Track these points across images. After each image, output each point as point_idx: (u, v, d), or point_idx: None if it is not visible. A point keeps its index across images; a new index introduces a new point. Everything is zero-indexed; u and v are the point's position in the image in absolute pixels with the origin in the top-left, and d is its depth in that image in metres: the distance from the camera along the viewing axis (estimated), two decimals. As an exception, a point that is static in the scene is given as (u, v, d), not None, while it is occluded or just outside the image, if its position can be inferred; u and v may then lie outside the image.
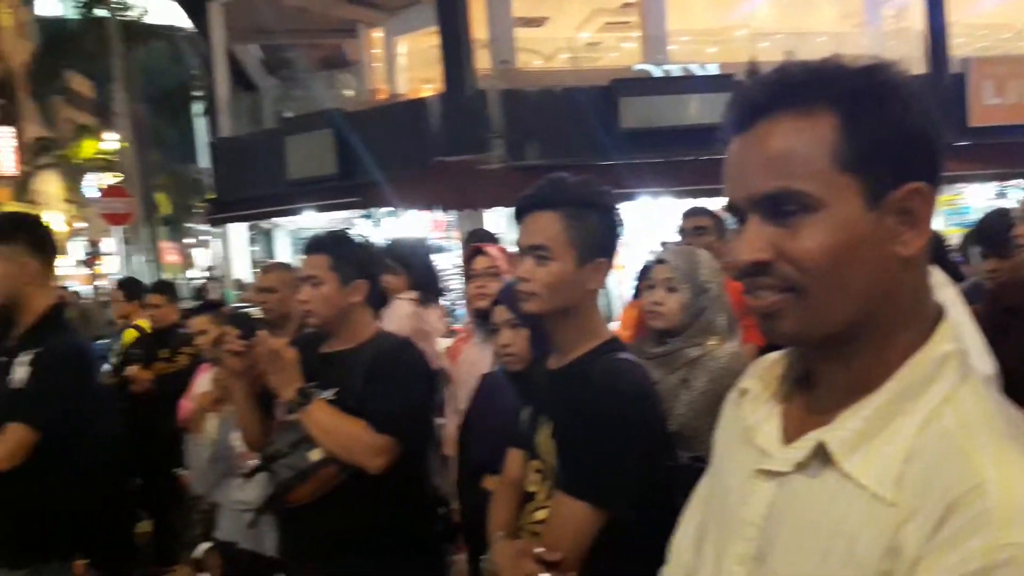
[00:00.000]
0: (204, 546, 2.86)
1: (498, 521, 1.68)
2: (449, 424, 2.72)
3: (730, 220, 0.83)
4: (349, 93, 16.48)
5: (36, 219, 2.65)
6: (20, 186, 34.56)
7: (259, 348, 2.11)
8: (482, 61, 11.57)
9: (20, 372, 2.39)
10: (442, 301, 4.14)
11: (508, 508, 1.68)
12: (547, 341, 1.69)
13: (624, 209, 1.68)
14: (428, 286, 3.68)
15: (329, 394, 2.14)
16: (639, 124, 10.63)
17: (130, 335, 5.11)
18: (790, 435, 0.84)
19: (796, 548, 0.79)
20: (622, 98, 10.77)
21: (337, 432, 2.08)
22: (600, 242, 1.60)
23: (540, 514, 1.59)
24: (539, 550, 1.45)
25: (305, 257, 2.27)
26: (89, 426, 2.50)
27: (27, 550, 2.40)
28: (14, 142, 35.22)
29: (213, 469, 2.77)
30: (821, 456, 0.79)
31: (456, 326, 4.26)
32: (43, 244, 2.54)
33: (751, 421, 0.89)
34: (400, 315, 3.37)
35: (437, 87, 11.83)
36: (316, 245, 2.26)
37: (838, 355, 0.81)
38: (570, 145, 10.42)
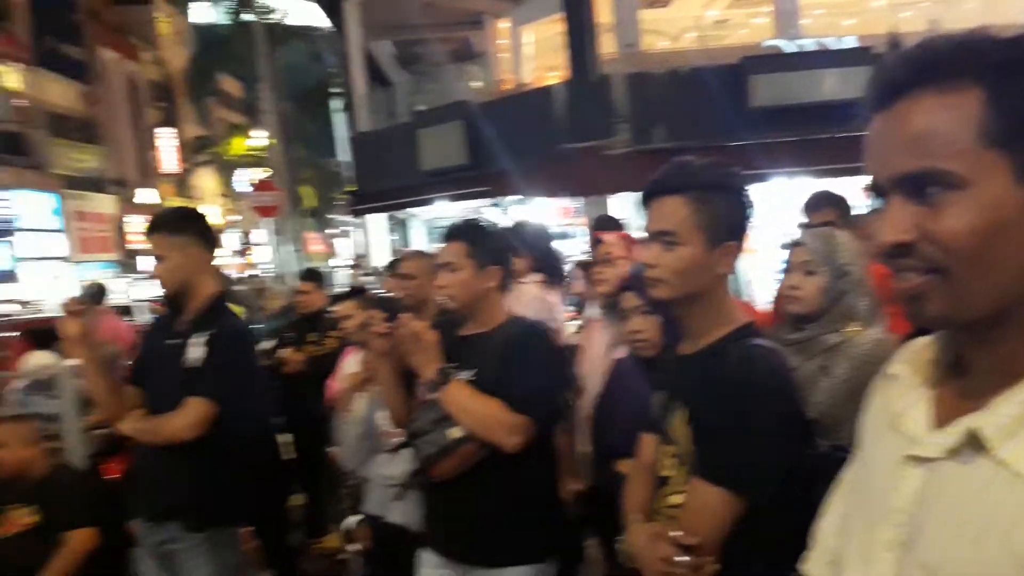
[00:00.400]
0: (353, 519, 3.00)
1: (633, 504, 1.69)
2: (581, 408, 2.75)
3: (871, 201, 0.80)
4: (477, 84, 16.69)
5: (201, 213, 2.86)
6: (180, 182, 37.07)
7: (402, 331, 2.21)
8: (607, 46, 11.44)
9: (195, 352, 2.58)
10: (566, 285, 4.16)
11: (642, 491, 1.69)
12: (678, 327, 1.67)
13: (755, 191, 1.64)
14: (551, 270, 3.72)
15: (467, 375, 2.21)
16: (771, 102, 10.23)
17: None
18: (940, 421, 0.82)
19: (947, 535, 0.77)
20: (752, 76, 10.39)
21: (475, 411, 2.15)
22: (729, 225, 1.56)
23: (676, 499, 1.59)
24: (676, 533, 1.45)
25: (443, 245, 2.34)
26: (252, 402, 2.70)
27: (206, 516, 2.60)
28: (175, 142, 37.77)
29: (361, 446, 2.90)
30: (974, 443, 0.77)
31: (570, 311, 4.25)
32: (208, 236, 2.75)
33: (899, 407, 0.87)
34: (526, 298, 3.42)
35: (562, 74, 11.81)
36: (453, 233, 2.33)
37: (988, 339, 0.78)
38: (698, 126, 10.17)
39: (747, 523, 1.46)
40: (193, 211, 2.89)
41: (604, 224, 4.16)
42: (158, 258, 2.66)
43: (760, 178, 8.75)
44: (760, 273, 4.38)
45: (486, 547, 2.21)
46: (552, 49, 12.77)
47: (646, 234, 1.61)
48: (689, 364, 1.60)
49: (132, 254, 33.92)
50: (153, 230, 2.69)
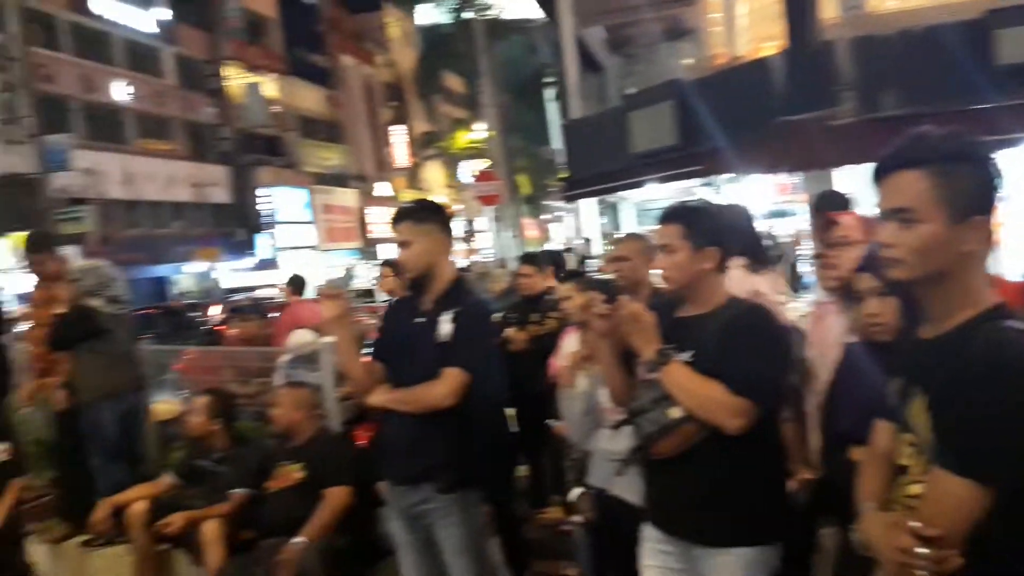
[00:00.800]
0: (577, 491, 3.08)
1: (867, 492, 1.60)
2: (809, 394, 2.62)
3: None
4: (688, 62, 16.24)
5: (441, 205, 3.09)
6: (411, 175, 39.42)
7: (621, 312, 2.23)
8: (828, 10, 10.69)
9: (445, 328, 2.78)
10: (774, 267, 3.97)
11: (878, 480, 1.59)
12: (917, 309, 1.55)
13: (1003, 158, 1.47)
14: (754, 253, 3.56)
15: (686, 356, 2.19)
16: (1021, 59, 9.08)
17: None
18: None
19: None
20: (999, 30, 9.25)
21: (695, 392, 2.13)
22: (974, 199, 1.42)
23: (914, 488, 1.49)
24: (915, 524, 1.36)
25: (660, 227, 2.33)
26: (493, 373, 2.88)
27: (458, 479, 2.78)
28: (406, 138, 40.18)
29: (585, 421, 2.97)
30: None
31: (793, 294, 4.03)
32: (447, 225, 2.96)
33: None
34: (730, 281, 3.32)
35: (779, 44, 11.19)
36: (670, 215, 2.31)
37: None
38: (934, 90, 9.22)
39: (998, 514, 1.34)
40: (435, 203, 3.12)
41: (832, 201, 3.92)
42: (404, 244, 2.85)
43: (1008, 144, 7.80)
44: (1010, 246, 3.93)
45: (707, 527, 2.18)
46: (768, 18, 12.12)
47: (880, 212, 1.51)
48: (931, 348, 1.48)
49: (372, 243, 36.60)
50: (400, 219, 2.89)
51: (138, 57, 28.59)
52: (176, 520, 4.01)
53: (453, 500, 2.80)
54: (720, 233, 2.29)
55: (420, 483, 2.82)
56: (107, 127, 26.91)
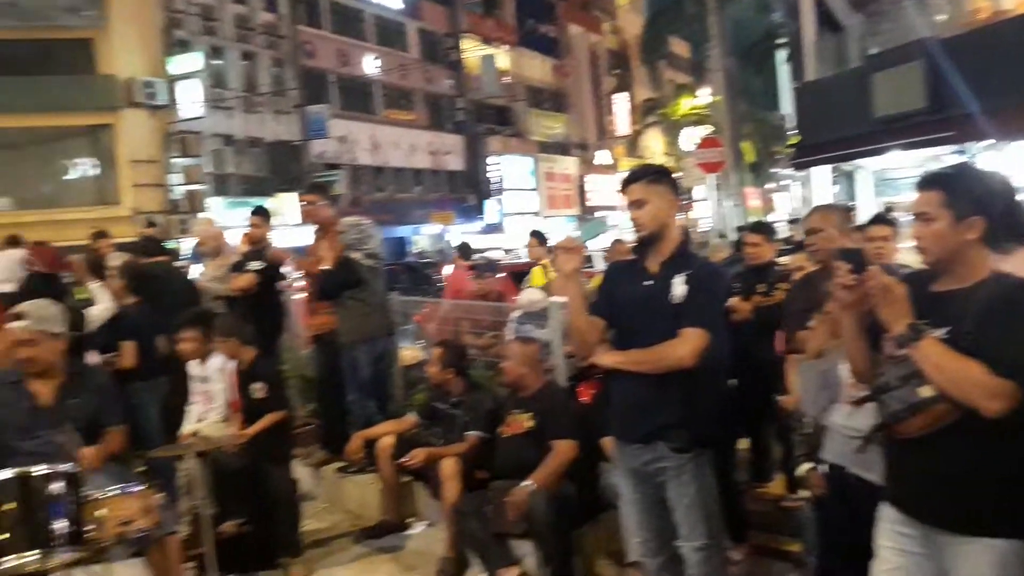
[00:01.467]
0: (807, 466, 2.96)
1: None
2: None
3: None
4: (941, 19, 14.61)
5: (670, 169, 3.09)
6: (631, 143, 39.06)
7: (871, 283, 2.10)
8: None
9: (679, 289, 2.78)
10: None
11: None
12: None
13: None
14: (1008, 227, 3.16)
15: (941, 333, 2.03)
16: None
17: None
18: None
19: None
20: None
21: (950, 370, 1.97)
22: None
23: None
24: None
25: (917, 194, 2.15)
26: (724, 335, 2.87)
27: (693, 438, 2.79)
28: (628, 105, 39.82)
29: (821, 394, 2.84)
30: None
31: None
32: (676, 188, 2.97)
33: None
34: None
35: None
36: (930, 181, 2.13)
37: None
38: None
39: None
40: (664, 167, 3.11)
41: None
42: (638, 204, 2.85)
43: None
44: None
45: (957, 513, 2.02)
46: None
47: None
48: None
49: (590, 210, 36.91)
50: (633, 180, 2.90)
51: (386, 32, 30.66)
52: (418, 455, 4.36)
53: (687, 459, 2.80)
54: (985, 201, 2.07)
55: (653, 442, 2.83)
56: (358, 98, 29.22)
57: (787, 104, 20.38)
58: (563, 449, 3.89)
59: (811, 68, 14.44)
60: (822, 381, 2.83)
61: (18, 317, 3.50)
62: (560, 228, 33.90)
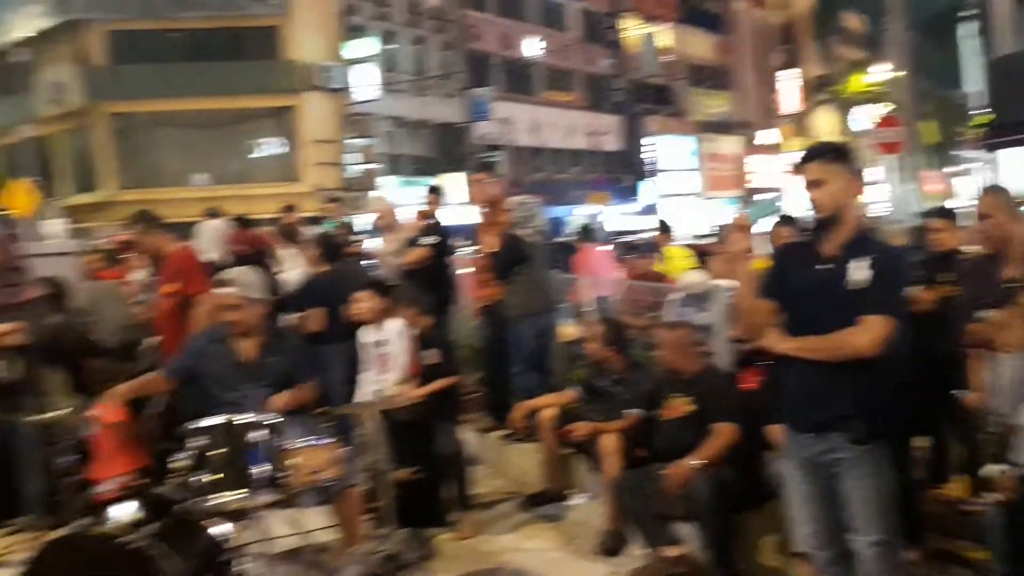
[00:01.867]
0: (995, 468, 2.76)
1: None
2: None
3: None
4: None
5: (850, 148, 2.89)
6: (798, 122, 37.23)
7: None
8: None
9: (860, 274, 2.63)
10: None
11: None
12: None
13: None
14: None
15: None
16: None
17: None
18: None
19: None
20: None
21: None
22: None
23: None
24: None
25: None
26: (906, 324, 2.73)
27: (872, 429, 2.67)
28: (797, 83, 37.90)
29: (1016, 392, 2.63)
30: None
31: None
32: (856, 169, 2.78)
33: None
34: None
35: None
36: None
37: None
38: None
39: None
40: (844, 145, 2.95)
41: None
42: (815, 184, 2.71)
43: None
44: None
45: None
46: None
47: None
48: None
49: (751, 192, 35.56)
50: (811, 158, 2.75)
51: (548, 13, 30.78)
52: (581, 428, 4.43)
53: (865, 451, 2.68)
54: None
55: (828, 432, 2.72)
56: (519, 80, 29.58)
57: (971, 81, 18.63)
58: (724, 431, 3.83)
59: (1006, 41, 13.11)
60: (1017, 377, 2.62)
61: (224, 284, 3.87)
62: (722, 210, 32.93)
